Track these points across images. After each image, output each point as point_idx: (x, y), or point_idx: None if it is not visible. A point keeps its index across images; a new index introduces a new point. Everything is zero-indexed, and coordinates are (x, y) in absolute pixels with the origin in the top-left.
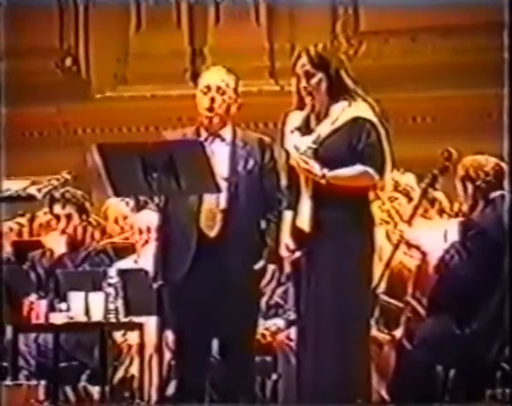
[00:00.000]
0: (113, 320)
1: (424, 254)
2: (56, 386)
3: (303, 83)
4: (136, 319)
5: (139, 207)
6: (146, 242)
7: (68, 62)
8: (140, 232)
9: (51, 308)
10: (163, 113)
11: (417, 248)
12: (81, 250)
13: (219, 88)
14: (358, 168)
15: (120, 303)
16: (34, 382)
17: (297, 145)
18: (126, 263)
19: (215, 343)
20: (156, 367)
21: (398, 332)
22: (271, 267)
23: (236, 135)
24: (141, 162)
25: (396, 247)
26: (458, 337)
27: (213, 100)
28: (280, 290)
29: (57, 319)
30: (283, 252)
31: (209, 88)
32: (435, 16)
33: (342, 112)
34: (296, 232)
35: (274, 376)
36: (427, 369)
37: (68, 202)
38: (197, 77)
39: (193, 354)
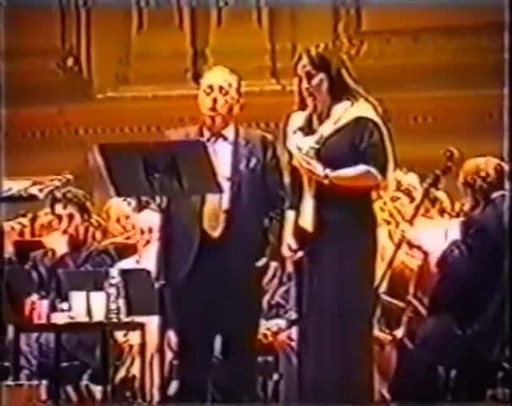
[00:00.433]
0: (115, 320)
1: (426, 253)
2: (57, 385)
3: (304, 83)
4: (138, 319)
5: (141, 207)
6: (148, 242)
7: (70, 62)
8: (142, 232)
9: (53, 308)
10: (165, 114)
11: (419, 248)
12: (83, 250)
13: (221, 88)
14: (361, 168)
15: (122, 303)
16: (35, 382)
17: (300, 146)
18: (128, 263)
19: (217, 343)
20: (158, 367)
21: (399, 332)
22: (273, 265)
23: (239, 134)
24: (143, 162)
25: (398, 247)
26: (459, 337)
27: (215, 100)
28: (281, 290)
29: (59, 319)
30: (285, 252)
31: (211, 88)
32: (437, 16)
33: (345, 112)
34: (298, 231)
35: (275, 376)
36: (428, 368)
37: (70, 202)
38: (198, 77)
39: (195, 354)
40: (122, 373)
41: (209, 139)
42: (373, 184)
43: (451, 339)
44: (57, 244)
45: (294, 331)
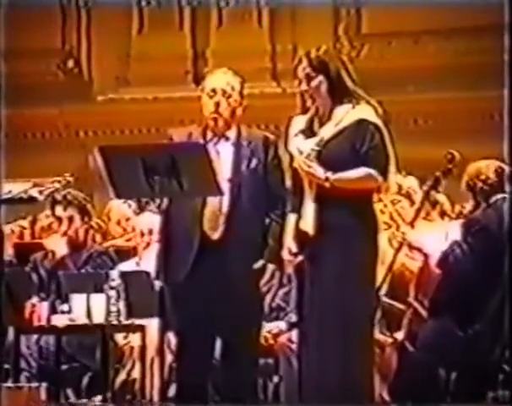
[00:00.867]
0: (115, 322)
1: (426, 256)
2: (57, 388)
3: (304, 85)
4: (138, 321)
5: (142, 209)
6: (148, 244)
7: (70, 63)
8: (142, 234)
9: (53, 310)
10: (165, 115)
11: (419, 250)
12: (83, 252)
13: (224, 92)
14: (362, 171)
15: (122, 305)
16: (35, 384)
17: (301, 148)
18: (128, 265)
19: (217, 345)
20: (158, 369)
21: (400, 335)
22: (271, 267)
23: (241, 134)
24: (143, 164)
25: (398, 249)
26: (460, 338)
27: (218, 104)
28: (281, 292)
29: (59, 321)
30: (285, 255)
31: (214, 91)
32: (437, 18)
33: (346, 115)
34: (299, 235)
35: (275, 379)
36: (429, 370)
37: (70, 204)
38: (199, 79)
39: (195, 356)
40: (122, 375)
41: (211, 140)
42: (375, 187)
43: (452, 340)
44: (58, 246)
45: (294, 334)
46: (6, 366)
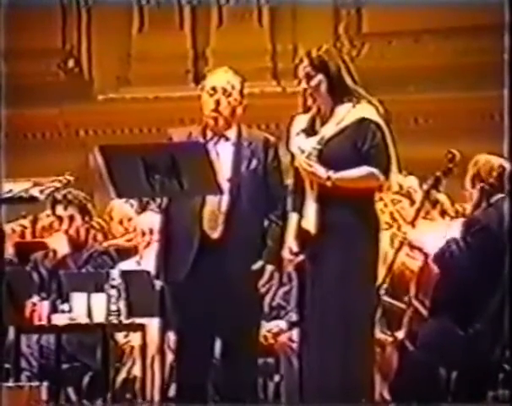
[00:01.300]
0: (115, 321)
1: (426, 255)
2: (58, 387)
3: (304, 84)
4: (138, 320)
5: (143, 208)
6: (149, 243)
7: (71, 63)
8: (143, 233)
9: (54, 309)
10: (165, 115)
11: (420, 249)
12: (84, 252)
13: (225, 90)
14: (364, 169)
15: (122, 304)
16: (36, 384)
17: (302, 147)
18: (128, 264)
19: (217, 345)
20: (158, 368)
21: (400, 334)
22: (269, 268)
23: (242, 135)
24: (143, 164)
25: (399, 249)
26: (460, 337)
27: (218, 102)
28: (281, 291)
29: (60, 320)
30: (286, 255)
31: (214, 90)
32: (438, 18)
33: (347, 114)
34: (300, 234)
35: (276, 378)
36: (429, 370)
37: (71, 204)
38: (199, 78)
39: (195, 356)
40: (122, 374)
41: (211, 140)
42: (376, 186)
43: (452, 339)
44: (58, 245)
45: (295, 333)
46: (7, 366)
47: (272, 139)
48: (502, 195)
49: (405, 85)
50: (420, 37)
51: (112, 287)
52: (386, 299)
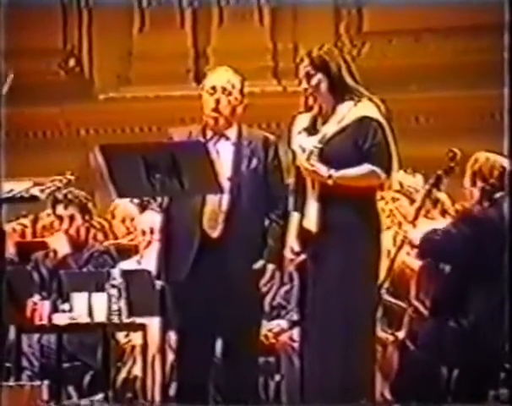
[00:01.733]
0: (116, 320)
1: None
2: (59, 386)
3: (304, 84)
4: (139, 320)
5: (144, 207)
6: (149, 243)
7: (72, 62)
8: (143, 233)
9: (55, 309)
10: (166, 114)
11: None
12: (84, 251)
13: (224, 89)
14: (365, 168)
15: (123, 303)
16: (37, 383)
17: (303, 146)
18: (129, 264)
19: (217, 344)
20: (159, 368)
21: (401, 333)
22: (270, 267)
23: (242, 134)
24: (144, 163)
25: (400, 247)
26: (455, 331)
27: (218, 101)
28: (282, 291)
29: (60, 320)
30: (288, 254)
31: (214, 89)
32: (438, 17)
33: (348, 112)
34: (302, 233)
35: (277, 377)
36: (429, 369)
37: (71, 203)
38: (200, 78)
39: (196, 355)
40: (123, 374)
41: (211, 139)
42: (378, 184)
43: (447, 334)
44: (59, 244)
45: (296, 332)
46: (8, 365)
47: (272, 138)
48: (502, 193)
49: (406, 83)
50: (420, 36)
51: (113, 286)
52: (387, 297)
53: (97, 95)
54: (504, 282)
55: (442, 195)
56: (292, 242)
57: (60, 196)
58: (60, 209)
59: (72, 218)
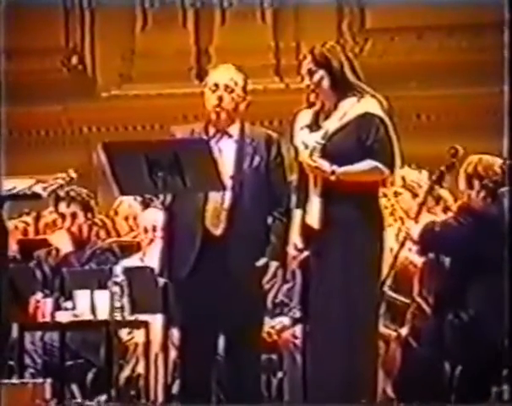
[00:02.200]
0: (119, 318)
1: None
2: (62, 384)
3: (306, 80)
4: (142, 317)
5: (146, 205)
6: (152, 240)
7: (74, 60)
8: (146, 230)
9: (57, 306)
10: (168, 112)
11: None
12: (87, 249)
13: (227, 86)
14: (368, 163)
15: (126, 301)
16: (40, 381)
17: (306, 142)
18: (132, 261)
19: (220, 341)
20: (162, 365)
21: (404, 330)
22: (274, 264)
23: (244, 132)
24: (146, 161)
25: (402, 244)
26: (456, 325)
27: (221, 98)
28: (285, 288)
29: (63, 317)
30: (291, 251)
31: (217, 86)
32: (440, 14)
33: (350, 108)
34: (304, 230)
35: (279, 374)
36: (432, 366)
37: (74, 201)
38: (202, 76)
39: (199, 352)
40: (126, 371)
41: (214, 137)
42: (380, 180)
43: (450, 330)
44: (61, 242)
45: (298, 330)
46: (10, 362)
47: (274, 135)
48: (501, 191)
49: (408, 81)
50: (422, 34)
51: (116, 284)
52: (390, 293)
53: (100, 93)
54: (504, 276)
55: (444, 192)
56: (295, 239)
57: (62, 194)
58: (62, 207)
59: (74, 216)
